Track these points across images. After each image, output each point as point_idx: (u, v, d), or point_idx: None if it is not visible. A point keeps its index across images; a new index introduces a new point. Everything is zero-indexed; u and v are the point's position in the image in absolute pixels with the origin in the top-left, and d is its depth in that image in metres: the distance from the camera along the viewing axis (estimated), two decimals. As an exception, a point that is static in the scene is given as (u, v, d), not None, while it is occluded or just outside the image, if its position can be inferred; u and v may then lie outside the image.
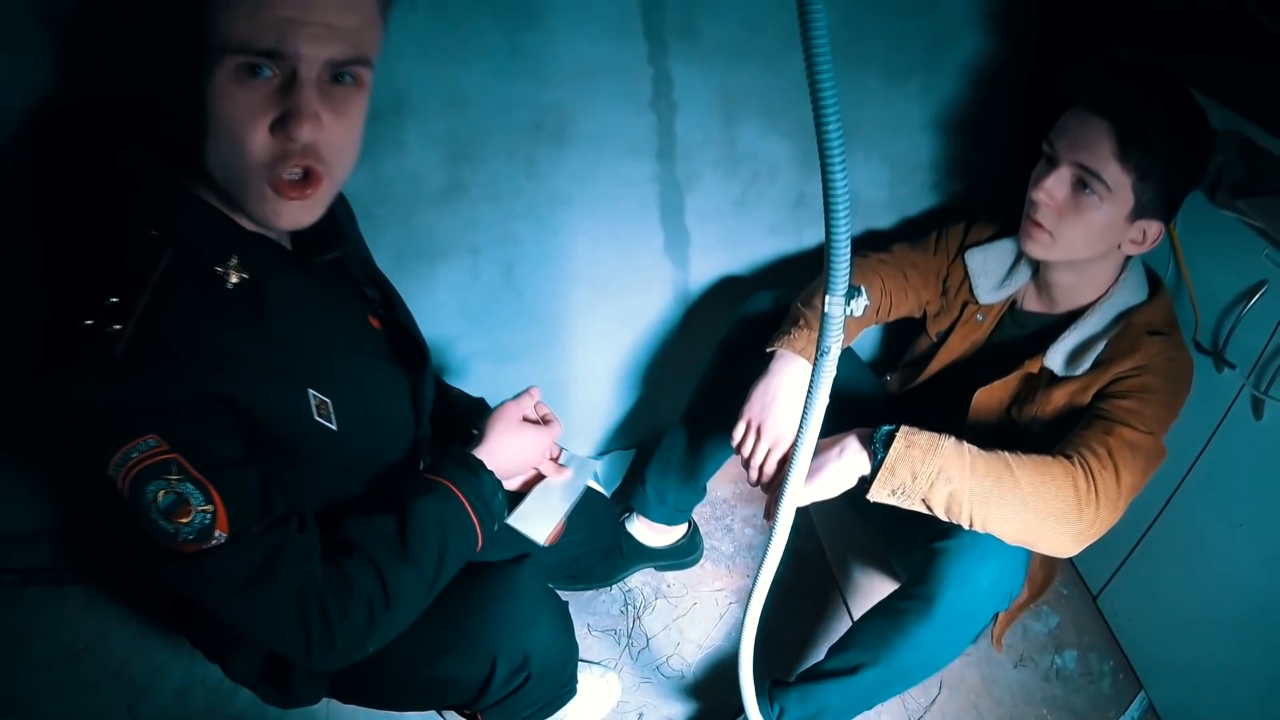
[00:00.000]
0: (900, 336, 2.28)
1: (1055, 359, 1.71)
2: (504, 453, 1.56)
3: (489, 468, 1.51)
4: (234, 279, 1.22)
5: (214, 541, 1.13)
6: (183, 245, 1.19)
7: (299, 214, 1.19)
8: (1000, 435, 1.76)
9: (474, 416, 1.68)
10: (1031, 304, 1.87)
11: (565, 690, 1.78)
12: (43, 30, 1.57)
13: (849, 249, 1.01)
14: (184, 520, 1.11)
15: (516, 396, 1.65)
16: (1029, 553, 1.62)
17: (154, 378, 1.10)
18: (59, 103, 1.68)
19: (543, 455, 1.67)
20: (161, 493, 1.09)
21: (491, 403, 1.68)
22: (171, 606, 1.64)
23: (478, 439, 1.57)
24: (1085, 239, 1.63)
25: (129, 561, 2.37)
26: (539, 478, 1.73)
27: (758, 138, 2.08)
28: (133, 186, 1.22)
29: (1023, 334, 1.87)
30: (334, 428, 1.32)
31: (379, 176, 1.90)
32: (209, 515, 1.12)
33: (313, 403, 1.29)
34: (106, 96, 1.64)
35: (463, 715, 1.85)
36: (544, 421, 1.67)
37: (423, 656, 1.50)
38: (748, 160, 2.11)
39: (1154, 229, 1.61)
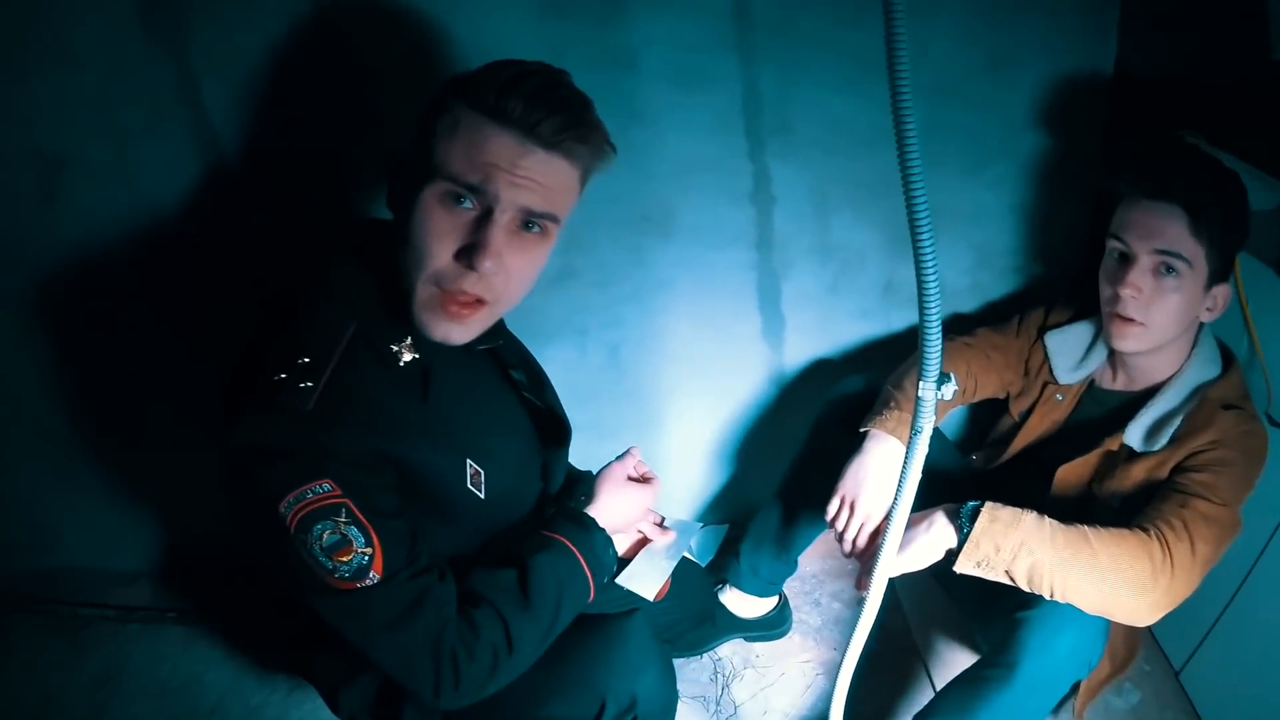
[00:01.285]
0: (983, 416, 2.33)
1: (1134, 436, 1.75)
2: (612, 509, 1.67)
3: (600, 524, 1.62)
4: (406, 357, 1.39)
5: (367, 581, 1.27)
6: (364, 321, 1.35)
7: (454, 332, 1.35)
8: (1081, 509, 1.80)
9: (580, 484, 1.78)
10: (1109, 382, 1.91)
11: (660, 743, 1.83)
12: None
13: (940, 338, 1.10)
14: (344, 559, 1.25)
15: (620, 457, 1.77)
16: (1108, 622, 1.64)
17: (337, 431, 1.25)
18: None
19: (646, 511, 1.77)
20: (327, 532, 1.23)
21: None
22: (290, 641, 1.74)
23: (587, 500, 1.67)
24: (1174, 319, 1.70)
25: (248, 601, 2.50)
26: (644, 542, 1.83)
27: (848, 227, 2.16)
28: (328, 265, 1.40)
29: (1101, 412, 1.90)
30: (482, 496, 1.47)
31: (497, 262, 2.03)
32: (367, 557, 1.26)
33: (468, 472, 1.44)
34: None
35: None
36: (645, 480, 1.77)
37: (535, 697, 1.55)
38: (839, 249, 2.20)
39: (1223, 292, 1.70)
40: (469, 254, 1.27)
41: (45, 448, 2.51)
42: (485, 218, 1.28)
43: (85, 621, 2.65)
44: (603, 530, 1.62)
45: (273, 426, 1.24)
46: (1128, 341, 1.73)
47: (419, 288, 1.31)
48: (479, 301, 1.33)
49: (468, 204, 1.28)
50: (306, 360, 1.28)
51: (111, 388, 2.38)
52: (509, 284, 1.35)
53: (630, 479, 1.74)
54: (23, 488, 2.61)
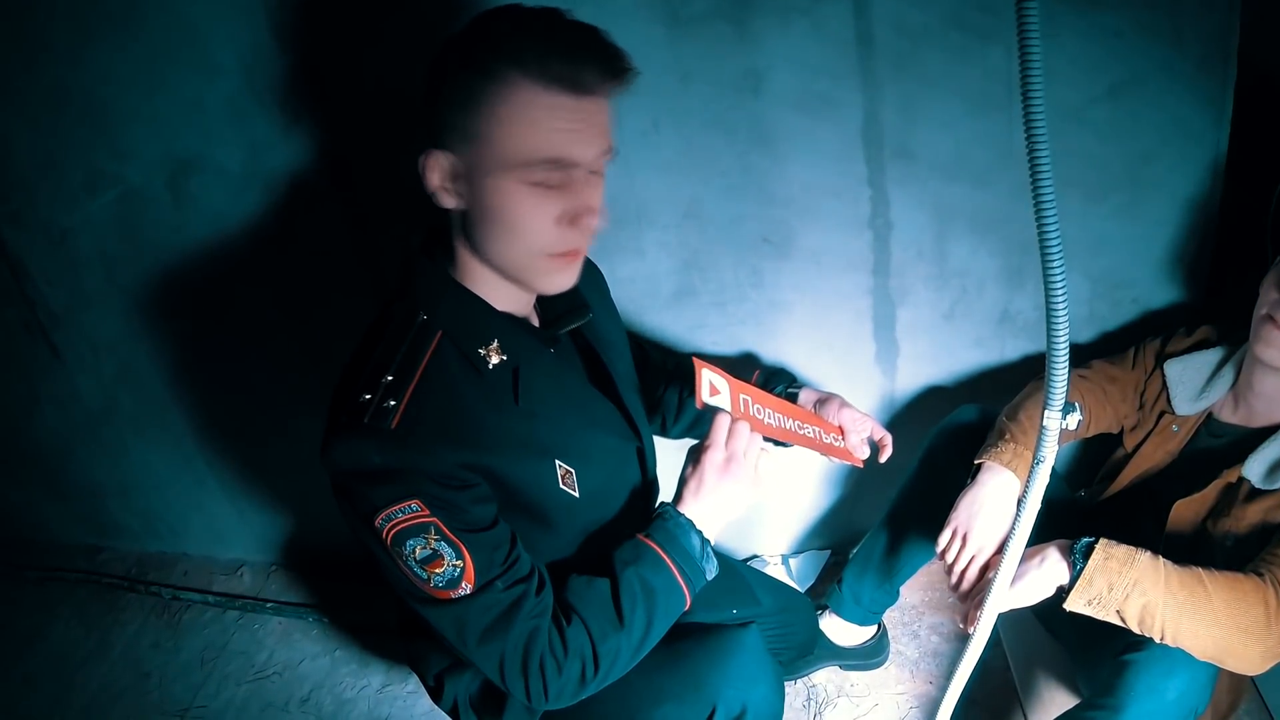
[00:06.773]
0: (1092, 450, 2.34)
1: (1254, 470, 1.73)
2: (711, 507, 1.55)
3: (699, 527, 1.54)
4: (494, 360, 1.44)
5: (461, 591, 1.36)
6: (451, 329, 1.43)
7: (567, 280, 1.43)
8: (1194, 548, 1.80)
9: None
10: (1229, 415, 1.90)
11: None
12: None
13: (1068, 365, 1.14)
14: (437, 570, 1.35)
15: (712, 431, 1.56)
16: (1217, 669, 1.64)
17: (421, 450, 1.33)
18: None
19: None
20: (419, 547, 1.33)
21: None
22: (404, 628, 1.83)
23: (683, 486, 1.57)
24: None
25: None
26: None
27: (966, 255, 2.20)
28: (411, 275, 1.47)
29: (1217, 444, 1.89)
30: (576, 495, 1.53)
31: (617, 278, 2.11)
32: (458, 569, 1.35)
33: (559, 473, 1.51)
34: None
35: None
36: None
37: (646, 700, 1.61)
38: (956, 276, 2.24)
39: None
40: (573, 219, 1.34)
41: (164, 438, 2.70)
42: (569, 180, 1.33)
43: (187, 606, 2.85)
44: (698, 533, 1.54)
45: (359, 449, 1.32)
46: (1273, 350, 1.71)
47: (534, 263, 1.39)
48: (580, 249, 1.41)
49: (551, 175, 1.31)
50: (390, 378, 1.35)
51: (228, 383, 2.56)
52: (595, 223, 1.40)
53: (736, 454, 1.56)
54: (139, 475, 2.82)
